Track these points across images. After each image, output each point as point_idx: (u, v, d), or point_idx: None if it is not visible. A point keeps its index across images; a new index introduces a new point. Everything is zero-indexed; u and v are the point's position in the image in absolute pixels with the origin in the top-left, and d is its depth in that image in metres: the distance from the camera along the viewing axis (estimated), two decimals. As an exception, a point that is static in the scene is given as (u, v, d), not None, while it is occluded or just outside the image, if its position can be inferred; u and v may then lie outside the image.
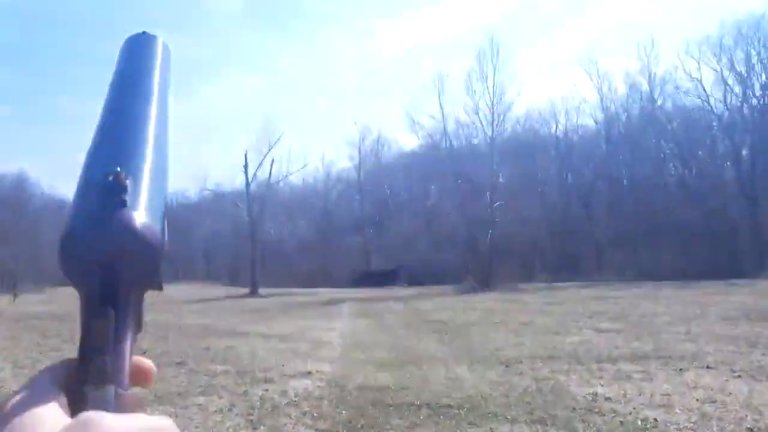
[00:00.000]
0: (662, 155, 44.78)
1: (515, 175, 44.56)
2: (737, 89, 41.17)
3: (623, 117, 47.08)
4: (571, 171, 48.81)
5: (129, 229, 0.50)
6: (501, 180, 41.28)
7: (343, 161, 59.53)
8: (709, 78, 41.72)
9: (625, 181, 46.26)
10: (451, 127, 46.57)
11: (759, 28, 39.80)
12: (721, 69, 40.93)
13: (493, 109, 38.85)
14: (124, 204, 0.50)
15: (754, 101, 41.07)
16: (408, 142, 55.06)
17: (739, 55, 40.60)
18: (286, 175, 44.75)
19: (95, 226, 0.50)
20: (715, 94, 41.68)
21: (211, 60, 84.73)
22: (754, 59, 40.46)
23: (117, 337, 0.47)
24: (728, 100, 41.44)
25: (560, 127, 49.90)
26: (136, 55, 0.67)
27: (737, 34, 40.31)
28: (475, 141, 45.14)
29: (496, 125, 39.05)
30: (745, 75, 40.65)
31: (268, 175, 41.30)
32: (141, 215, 0.51)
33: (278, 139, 40.34)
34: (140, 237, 0.51)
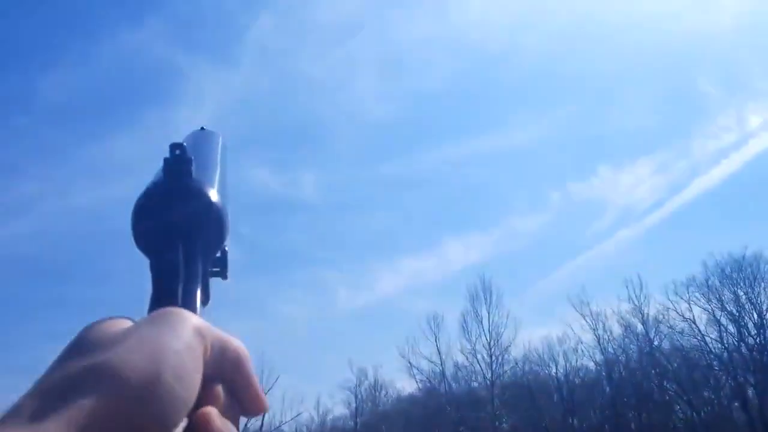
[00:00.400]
0: (667, 397, 43.57)
1: (519, 420, 42.85)
2: (732, 328, 41.41)
3: (622, 359, 46.66)
4: (577, 416, 47.04)
5: (198, 193, 0.53)
6: (504, 426, 39.61)
7: (338, 407, 57.54)
8: (701, 317, 42.17)
9: (632, 425, 44.38)
10: (449, 369, 45.91)
11: (742, 269, 41.24)
12: (713, 309, 41.59)
13: (490, 351, 38.81)
14: (190, 173, 0.53)
15: (751, 340, 41.06)
16: (406, 386, 53.64)
17: (728, 296, 41.50)
18: (279, 425, 42.93)
19: (165, 191, 0.53)
20: (711, 334, 41.81)
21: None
22: (743, 299, 41.29)
23: (186, 295, 0.48)
24: (725, 340, 41.45)
25: (560, 368, 49.21)
26: (199, 141, 0.72)
27: (722, 275, 41.63)
28: (475, 384, 44.20)
29: (495, 368, 38.65)
30: (737, 315, 41.18)
31: (260, 426, 39.62)
32: (213, 192, 0.55)
33: (272, 386, 39.47)
34: (208, 203, 0.53)
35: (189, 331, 0.39)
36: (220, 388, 0.41)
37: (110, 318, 0.41)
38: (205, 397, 0.39)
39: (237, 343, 0.43)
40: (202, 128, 0.80)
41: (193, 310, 0.47)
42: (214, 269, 0.57)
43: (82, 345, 0.37)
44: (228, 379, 0.42)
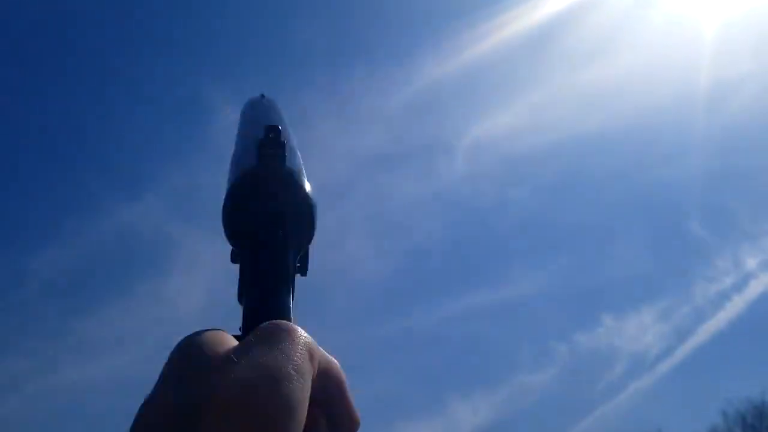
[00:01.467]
0: None
1: None
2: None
3: None
4: None
5: (295, 184, 0.50)
6: None
7: None
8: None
9: None
10: None
11: (763, 417, 39.00)
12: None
13: None
14: (284, 159, 0.49)
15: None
16: None
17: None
18: None
19: (260, 179, 0.50)
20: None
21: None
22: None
23: (281, 293, 0.45)
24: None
25: None
26: (265, 113, 0.65)
27: (744, 425, 39.23)
28: None
29: None
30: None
31: None
32: (306, 183, 0.51)
33: None
34: (304, 195, 0.50)
35: (303, 355, 0.37)
36: (321, 415, 0.40)
37: (208, 330, 0.38)
38: (308, 419, 0.37)
39: (337, 364, 0.41)
40: (263, 96, 0.70)
41: (288, 308, 0.44)
42: (297, 265, 0.52)
43: (194, 363, 0.36)
44: (329, 401, 0.40)
